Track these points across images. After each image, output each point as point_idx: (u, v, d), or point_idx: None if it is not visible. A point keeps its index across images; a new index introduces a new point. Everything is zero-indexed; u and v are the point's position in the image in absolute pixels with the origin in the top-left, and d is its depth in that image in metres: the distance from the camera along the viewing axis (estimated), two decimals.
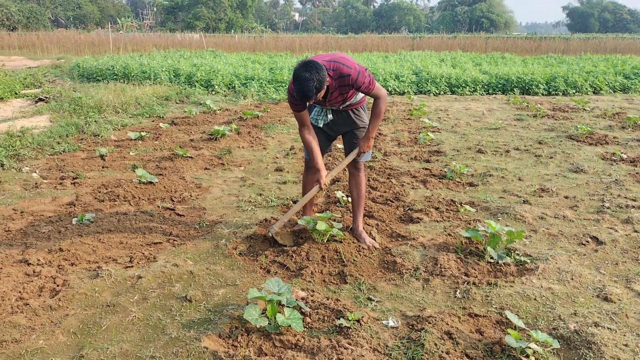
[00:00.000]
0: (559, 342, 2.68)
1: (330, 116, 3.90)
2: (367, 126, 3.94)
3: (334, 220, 4.18)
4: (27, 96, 11.24)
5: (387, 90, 13.70)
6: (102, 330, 2.84)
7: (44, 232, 4.18)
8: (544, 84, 14.03)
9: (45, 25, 52.36)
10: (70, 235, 4.11)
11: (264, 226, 4.34)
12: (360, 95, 3.86)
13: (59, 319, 2.92)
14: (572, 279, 3.40)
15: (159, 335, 2.79)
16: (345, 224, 4.26)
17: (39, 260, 3.61)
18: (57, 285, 3.28)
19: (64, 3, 68.69)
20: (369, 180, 5.62)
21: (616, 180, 5.60)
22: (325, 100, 3.69)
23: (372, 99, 3.74)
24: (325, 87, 3.41)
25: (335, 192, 5.07)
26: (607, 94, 13.89)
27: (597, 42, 31.97)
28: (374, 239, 4.05)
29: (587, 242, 4.04)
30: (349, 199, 4.88)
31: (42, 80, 13.49)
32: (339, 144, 7.23)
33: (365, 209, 4.72)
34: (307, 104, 3.62)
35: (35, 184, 5.50)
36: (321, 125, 3.91)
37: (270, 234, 3.89)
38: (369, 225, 4.31)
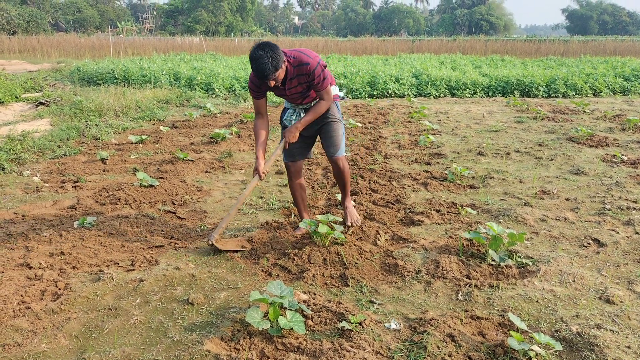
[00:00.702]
0: (562, 344, 2.67)
1: (302, 113, 3.97)
2: (337, 120, 4.04)
3: (335, 222, 4.18)
4: (28, 100, 11.26)
5: (388, 93, 13.72)
6: (104, 333, 2.83)
7: (45, 236, 4.18)
8: (544, 86, 14.04)
9: (46, 29, 52.48)
10: (72, 239, 4.11)
11: (265, 229, 4.35)
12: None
13: (61, 322, 2.92)
14: (574, 281, 3.40)
15: (161, 338, 2.79)
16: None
17: (40, 263, 3.61)
18: (59, 289, 3.28)
19: (64, 7, 68.87)
20: (369, 183, 5.62)
21: (617, 182, 5.60)
22: (286, 89, 3.74)
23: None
24: (284, 68, 3.53)
25: (337, 195, 5.07)
26: (607, 96, 13.90)
27: (596, 44, 32.03)
28: (378, 238, 4.07)
29: (589, 244, 4.04)
30: None
31: (43, 84, 13.52)
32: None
33: (366, 212, 4.72)
34: (266, 91, 3.76)
35: (37, 187, 5.51)
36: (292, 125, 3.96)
37: (210, 242, 3.78)
38: (370, 227, 4.31)
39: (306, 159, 4.34)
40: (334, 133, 4.03)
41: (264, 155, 3.90)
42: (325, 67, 3.70)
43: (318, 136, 4.18)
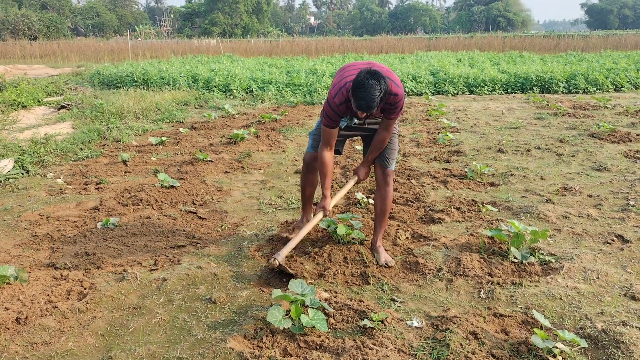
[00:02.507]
0: (587, 341, 2.64)
1: (356, 119, 3.64)
2: (396, 132, 3.71)
3: (354, 220, 4.16)
4: (50, 104, 11.45)
5: (405, 91, 13.67)
6: (129, 332, 2.88)
7: (69, 237, 4.26)
8: (564, 82, 13.86)
9: (65, 34, 53.31)
10: (96, 239, 4.18)
11: (285, 228, 4.36)
12: None
13: (87, 321, 2.97)
14: (598, 278, 3.36)
15: (185, 336, 2.83)
16: (366, 225, 4.26)
17: (65, 264, 3.67)
18: (84, 288, 3.34)
19: (83, 12, 69.89)
20: None
21: None
22: (366, 119, 3.48)
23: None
24: None
25: (356, 193, 5.08)
26: (628, 91, 13.67)
27: (617, 38, 31.50)
28: (398, 236, 4.04)
29: (613, 240, 3.99)
30: (369, 200, 4.88)
31: (64, 88, 13.72)
32: (357, 145, 7.24)
33: None
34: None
35: (60, 189, 5.60)
36: (342, 127, 3.68)
37: (277, 263, 3.37)
38: (390, 226, 4.30)
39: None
40: (393, 147, 3.72)
41: (330, 190, 3.61)
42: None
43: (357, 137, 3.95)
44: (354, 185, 3.97)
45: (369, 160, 3.73)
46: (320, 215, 3.62)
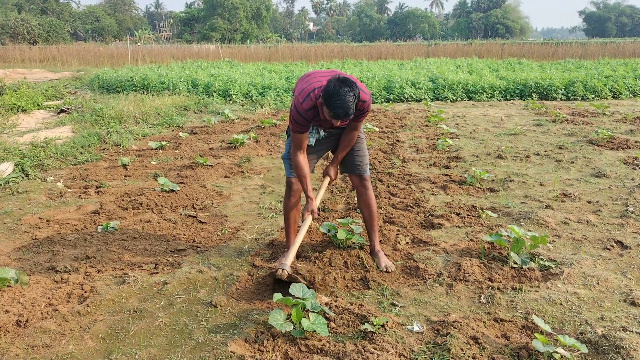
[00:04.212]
0: (587, 346, 2.65)
1: (322, 132, 3.66)
2: (363, 138, 3.77)
3: (354, 225, 4.17)
4: (50, 108, 11.46)
5: (404, 97, 13.72)
6: (130, 335, 2.88)
7: (70, 240, 4.26)
8: (563, 89, 13.91)
9: (65, 38, 53.43)
10: (96, 243, 4.18)
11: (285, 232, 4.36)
12: None
13: (87, 324, 2.97)
14: (598, 283, 3.37)
15: (185, 340, 2.83)
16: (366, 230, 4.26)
17: (66, 267, 3.67)
18: (85, 292, 3.34)
19: (83, 17, 70.04)
20: (388, 187, 5.63)
21: (639, 184, 5.54)
22: (330, 129, 3.50)
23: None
24: None
25: (356, 198, 5.08)
26: (627, 99, 13.72)
27: (615, 46, 31.65)
28: (398, 241, 4.05)
29: (612, 246, 4.00)
30: None
31: (64, 92, 13.74)
32: None
33: (385, 216, 4.72)
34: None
35: (60, 193, 5.60)
36: (313, 144, 3.63)
37: (287, 273, 3.22)
38: (390, 231, 4.32)
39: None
40: (363, 152, 3.74)
41: (313, 192, 3.56)
42: None
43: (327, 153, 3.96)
44: (328, 186, 3.95)
45: (338, 159, 3.71)
46: (310, 218, 3.54)
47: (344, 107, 3.01)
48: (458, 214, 4.76)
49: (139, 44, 40.68)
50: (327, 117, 3.19)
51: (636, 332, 2.77)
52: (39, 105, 11.47)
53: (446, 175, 6.14)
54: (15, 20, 48.59)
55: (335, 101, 3.00)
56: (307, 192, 3.49)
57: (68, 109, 11.04)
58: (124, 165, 6.73)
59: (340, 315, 3.01)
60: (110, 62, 26.91)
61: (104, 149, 7.78)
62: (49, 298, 3.23)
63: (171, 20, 76.86)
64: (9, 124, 9.41)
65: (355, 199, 5.06)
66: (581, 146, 7.59)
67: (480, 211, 4.79)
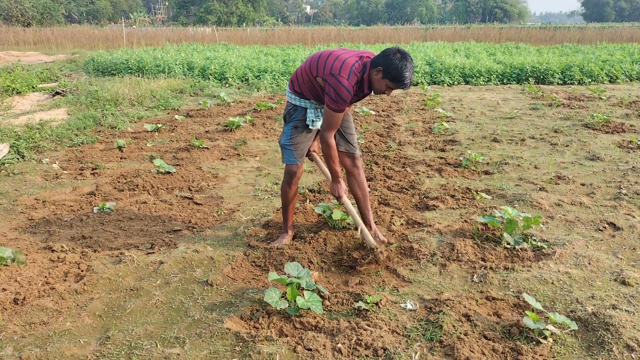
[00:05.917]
0: (577, 324, 2.69)
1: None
2: (350, 116, 3.78)
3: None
4: (45, 90, 11.39)
5: None
6: (126, 313, 2.91)
7: (66, 221, 4.27)
8: (560, 73, 13.89)
9: (59, 20, 52.84)
10: (92, 223, 4.20)
11: (280, 214, 4.38)
12: None
13: (84, 302, 3.00)
14: (589, 263, 3.41)
15: (182, 317, 2.86)
16: None
17: (62, 247, 3.69)
18: (82, 271, 3.36)
19: None
20: (383, 169, 5.65)
21: (633, 167, 5.57)
22: (359, 98, 3.49)
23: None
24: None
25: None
26: (623, 83, 13.72)
27: (613, 31, 31.48)
28: (393, 222, 4.08)
29: (604, 227, 4.04)
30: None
31: (59, 75, 13.64)
32: None
33: (380, 197, 4.75)
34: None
35: (56, 174, 5.60)
36: (318, 127, 3.62)
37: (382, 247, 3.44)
38: (385, 212, 4.34)
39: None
40: (354, 131, 3.77)
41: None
42: None
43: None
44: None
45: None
46: (348, 200, 3.60)
47: (411, 78, 3.16)
48: (453, 196, 4.79)
49: (134, 26, 40.30)
50: (382, 89, 3.24)
51: (625, 310, 2.82)
52: (33, 87, 11.40)
53: (442, 158, 6.16)
54: (8, 2, 47.96)
55: (405, 72, 3.12)
56: (336, 174, 3.52)
57: (63, 91, 10.98)
58: (120, 148, 6.72)
59: (334, 294, 3.05)
60: (105, 45, 26.66)
61: (99, 131, 7.76)
62: (45, 277, 3.26)
63: (167, 3, 75.98)
64: (4, 106, 9.36)
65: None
66: (576, 130, 7.61)
67: (475, 193, 4.82)
